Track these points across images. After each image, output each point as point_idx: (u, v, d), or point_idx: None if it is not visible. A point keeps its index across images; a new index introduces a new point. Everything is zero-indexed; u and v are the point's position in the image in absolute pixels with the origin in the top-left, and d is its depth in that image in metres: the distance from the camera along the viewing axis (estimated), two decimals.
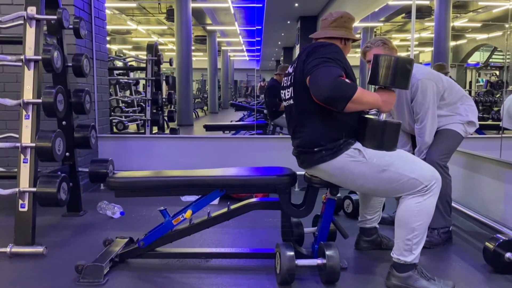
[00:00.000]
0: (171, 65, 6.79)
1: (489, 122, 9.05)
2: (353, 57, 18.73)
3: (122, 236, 2.53)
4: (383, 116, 2.06)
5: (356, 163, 2.06)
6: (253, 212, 2.40)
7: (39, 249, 2.53)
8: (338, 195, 2.35)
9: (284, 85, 2.27)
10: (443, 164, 2.61)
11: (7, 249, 2.51)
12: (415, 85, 2.59)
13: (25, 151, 2.67)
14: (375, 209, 2.57)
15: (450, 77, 5.46)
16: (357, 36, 2.46)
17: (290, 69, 2.25)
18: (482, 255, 2.38)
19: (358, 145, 2.08)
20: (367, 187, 2.15)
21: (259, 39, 17.38)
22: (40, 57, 2.76)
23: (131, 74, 9.82)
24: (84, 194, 3.74)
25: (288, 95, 2.22)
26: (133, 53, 17.07)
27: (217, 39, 17.53)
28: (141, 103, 8.19)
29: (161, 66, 6.18)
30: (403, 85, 2.03)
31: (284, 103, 2.29)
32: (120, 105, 8.18)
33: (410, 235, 2.05)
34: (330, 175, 2.14)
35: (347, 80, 1.94)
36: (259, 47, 19.73)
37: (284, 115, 5.54)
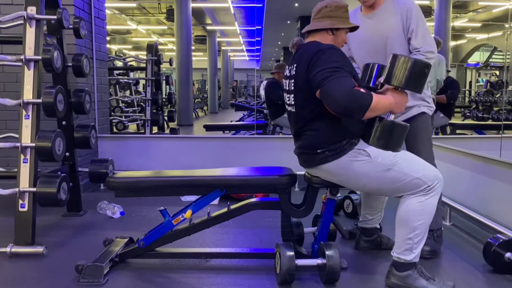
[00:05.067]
0: (171, 65, 6.78)
1: (489, 122, 9.05)
2: None
3: (122, 236, 2.53)
4: (391, 117, 2.04)
5: (360, 162, 2.06)
6: (253, 212, 2.40)
7: (39, 249, 2.52)
8: (338, 195, 2.35)
9: (286, 88, 2.24)
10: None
11: (7, 249, 2.50)
12: (408, 9, 2.38)
13: (25, 151, 2.67)
14: (376, 209, 2.56)
15: (449, 76, 5.49)
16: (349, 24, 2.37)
17: (287, 72, 2.23)
18: (482, 255, 2.38)
19: (362, 144, 2.08)
20: (370, 186, 2.14)
21: (259, 39, 17.38)
22: (40, 57, 2.76)
23: (131, 74, 9.83)
24: (84, 194, 3.73)
25: (289, 101, 2.21)
26: (133, 53, 17.07)
27: (217, 39, 17.54)
28: (141, 103, 8.18)
29: (161, 66, 6.18)
30: (418, 88, 2.01)
31: (286, 107, 2.29)
32: (120, 105, 8.18)
33: (411, 234, 2.05)
34: (334, 175, 2.14)
35: (361, 90, 1.93)
36: (259, 47, 19.74)
37: (285, 115, 5.53)
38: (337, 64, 1.95)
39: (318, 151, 2.09)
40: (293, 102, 2.17)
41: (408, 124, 2.09)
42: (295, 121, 2.20)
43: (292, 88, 2.16)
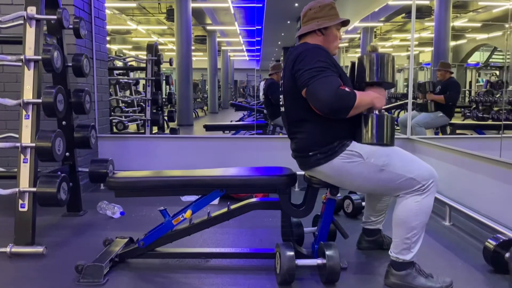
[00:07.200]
0: (171, 65, 6.78)
1: (489, 122, 9.04)
2: (350, 57, 18.76)
3: (122, 236, 2.53)
4: (376, 112, 2.09)
5: (353, 164, 2.06)
6: (253, 212, 2.40)
7: (39, 249, 2.53)
8: (338, 195, 2.35)
9: (281, 89, 2.27)
10: None
11: (7, 249, 2.51)
12: None
13: (25, 151, 2.67)
14: (380, 212, 2.55)
15: (451, 77, 5.47)
16: (337, 20, 2.21)
17: (282, 73, 2.27)
18: (482, 255, 2.38)
19: (354, 145, 2.08)
20: (365, 187, 2.15)
21: (259, 39, 17.37)
22: (40, 57, 2.76)
23: (131, 74, 9.82)
24: (84, 194, 3.73)
25: (281, 101, 2.24)
26: (133, 53, 17.06)
27: (217, 39, 17.53)
28: (141, 103, 8.18)
29: (161, 66, 6.18)
30: (390, 78, 2.12)
31: (281, 108, 2.30)
32: (120, 105, 8.17)
33: (409, 234, 2.05)
34: (328, 177, 2.15)
35: (346, 89, 1.96)
36: (259, 47, 19.73)
37: None
38: (322, 64, 1.98)
39: (310, 153, 2.11)
40: (283, 103, 2.19)
41: (394, 116, 2.13)
42: (287, 122, 2.23)
43: (282, 89, 2.18)
